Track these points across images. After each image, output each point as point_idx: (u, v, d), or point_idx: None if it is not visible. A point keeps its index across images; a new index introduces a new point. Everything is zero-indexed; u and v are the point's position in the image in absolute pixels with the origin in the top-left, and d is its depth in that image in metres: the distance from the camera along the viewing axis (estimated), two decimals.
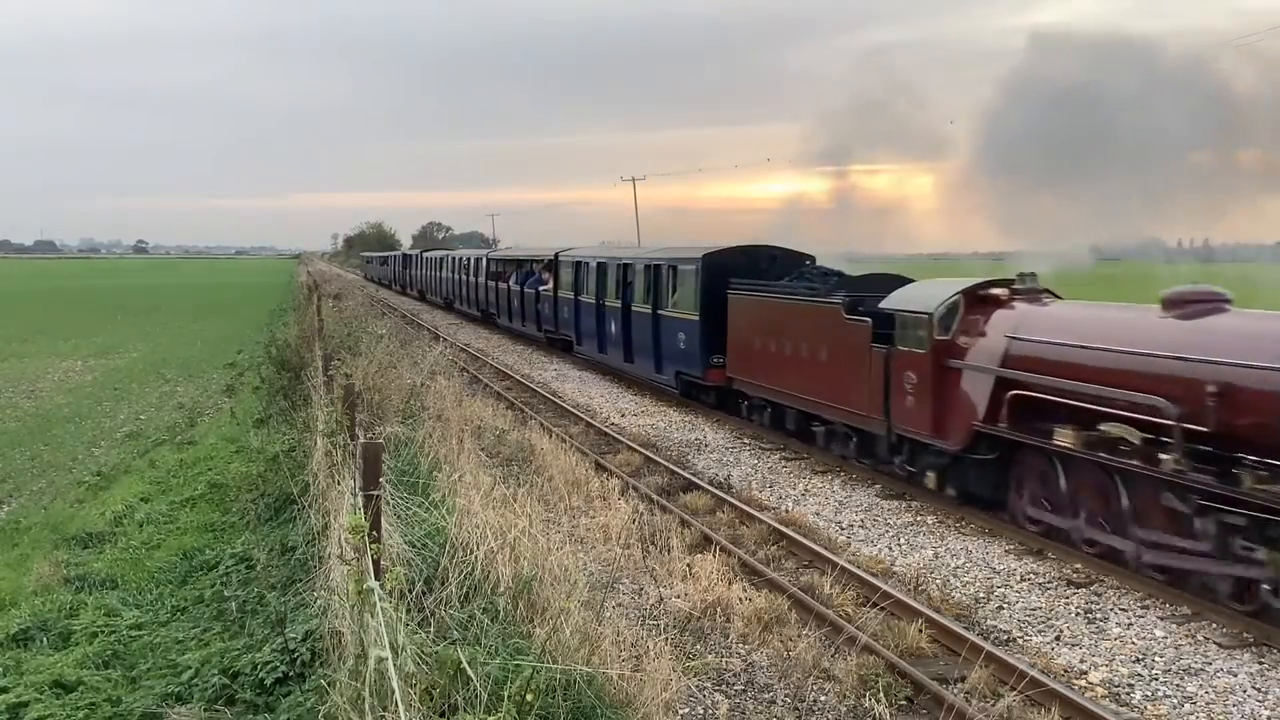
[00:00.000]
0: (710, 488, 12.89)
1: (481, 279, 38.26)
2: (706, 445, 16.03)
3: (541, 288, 29.50)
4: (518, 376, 24.01)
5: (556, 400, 20.40)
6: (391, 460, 9.51)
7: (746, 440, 16.35)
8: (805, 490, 13.14)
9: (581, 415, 18.44)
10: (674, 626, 7.63)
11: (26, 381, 26.62)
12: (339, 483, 7.73)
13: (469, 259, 42.07)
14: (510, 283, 33.41)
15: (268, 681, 6.10)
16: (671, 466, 14.10)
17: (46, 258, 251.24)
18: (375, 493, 5.54)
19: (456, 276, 44.17)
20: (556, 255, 27.96)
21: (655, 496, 12.29)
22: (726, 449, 15.76)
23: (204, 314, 50.71)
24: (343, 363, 13.25)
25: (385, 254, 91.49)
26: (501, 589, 6.32)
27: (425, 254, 57.80)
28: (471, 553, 6.49)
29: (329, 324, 23.93)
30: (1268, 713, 7.04)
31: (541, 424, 16.69)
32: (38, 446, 18.49)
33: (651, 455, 14.83)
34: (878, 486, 13.02)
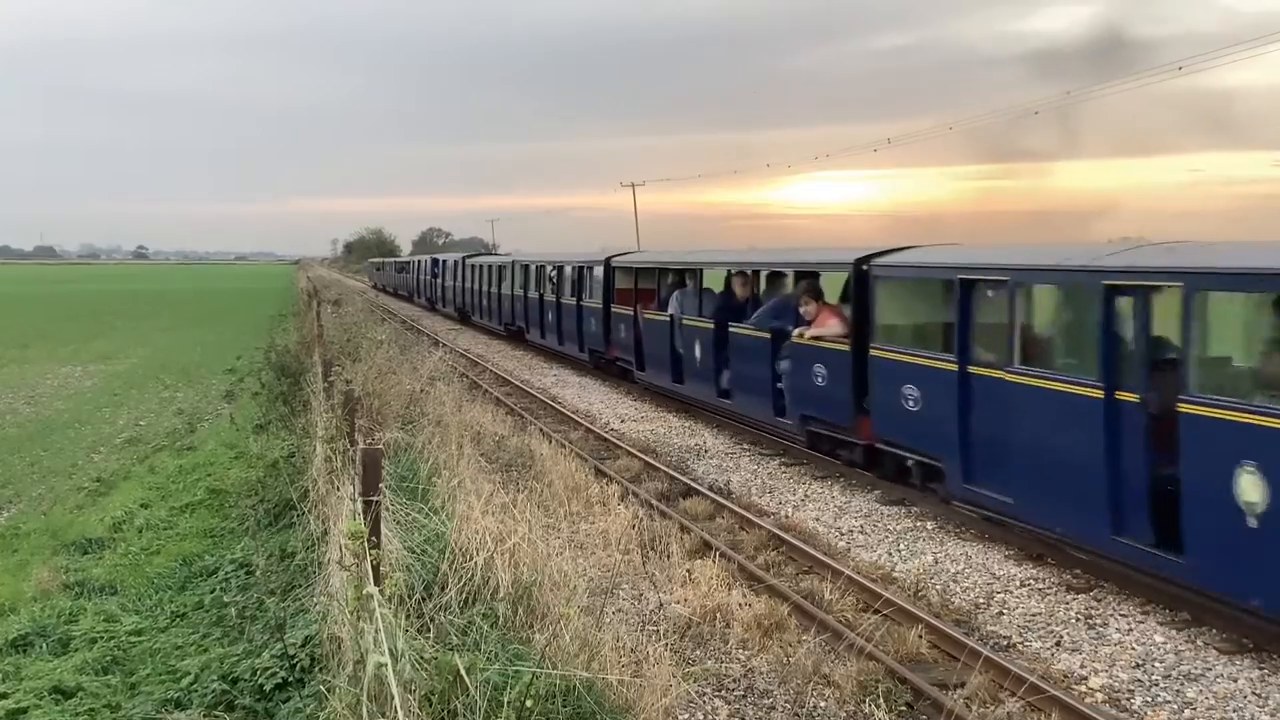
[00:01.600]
0: (710, 493, 12.88)
1: (594, 300, 23.96)
2: (706, 451, 16.03)
3: (810, 332, 14.11)
4: (517, 382, 24.01)
5: (556, 406, 20.40)
6: (391, 466, 9.52)
7: (746, 446, 16.34)
8: (805, 496, 13.13)
9: (581, 421, 18.44)
10: (674, 632, 7.63)
11: (26, 387, 26.61)
12: (338, 488, 7.74)
13: (564, 269, 26.70)
14: (679, 312, 18.77)
15: (267, 687, 6.09)
16: (671, 472, 14.10)
17: (46, 263, 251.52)
18: (375, 498, 5.55)
19: (534, 294, 29.70)
20: (862, 263, 13.17)
21: (655, 502, 12.29)
22: (726, 454, 15.76)
23: (204, 320, 50.69)
24: (342, 368, 13.28)
25: (404, 259, 76.70)
26: (501, 595, 6.32)
27: (470, 260, 42.55)
28: (471, 558, 6.50)
29: (329, 330, 23.96)
30: (1267, 718, 7.03)
31: (541, 430, 16.68)
32: (37, 452, 18.48)
33: (651, 461, 14.82)
34: (877, 492, 13.02)
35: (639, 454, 15.25)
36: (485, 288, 37.51)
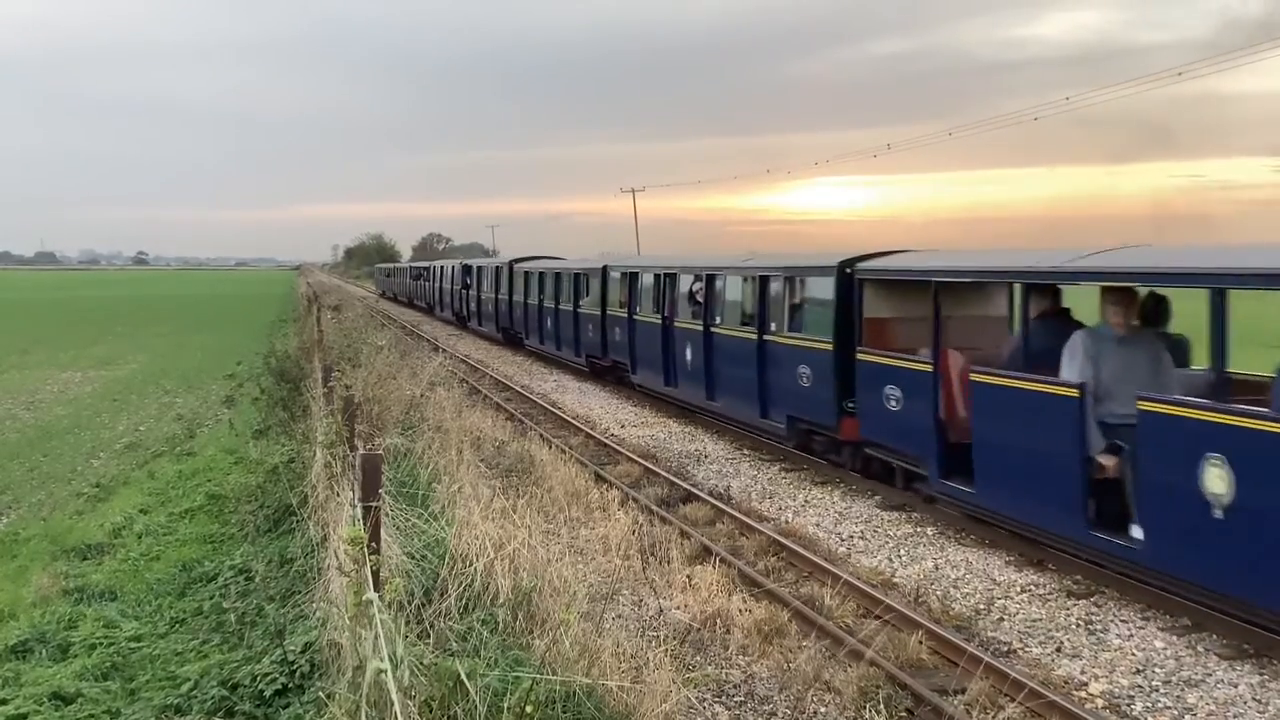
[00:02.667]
0: (710, 499, 12.87)
1: (809, 338, 13.98)
2: (706, 456, 16.02)
3: None
4: (517, 388, 24.01)
5: (556, 411, 20.39)
6: (391, 472, 9.52)
7: (746, 451, 16.34)
8: (805, 501, 13.13)
9: (581, 426, 18.43)
10: (674, 638, 7.62)
11: (26, 392, 26.61)
12: (338, 494, 7.74)
13: (718, 281, 17.12)
14: (1094, 378, 9.05)
15: (267, 693, 6.08)
16: (671, 478, 14.09)
17: (47, 269, 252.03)
18: (374, 504, 5.54)
19: (652, 319, 20.05)
20: None
21: (655, 508, 12.28)
22: (726, 460, 15.75)
23: (204, 325, 50.69)
24: (342, 374, 13.26)
25: (422, 264, 64.77)
26: (501, 600, 6.32)
27: (521, 265, 32.11)
28: (471, 564, 6.50)
29: (328, 335, 23.97)
30: None
31: (541, 435, 16.68)
32: (37, 458, 18.47)
33: (651, 466, 14.82)
34: (878, 498, 13.01)
35: (639, 460, 15.24)
36: (550, 304, 27.79)
